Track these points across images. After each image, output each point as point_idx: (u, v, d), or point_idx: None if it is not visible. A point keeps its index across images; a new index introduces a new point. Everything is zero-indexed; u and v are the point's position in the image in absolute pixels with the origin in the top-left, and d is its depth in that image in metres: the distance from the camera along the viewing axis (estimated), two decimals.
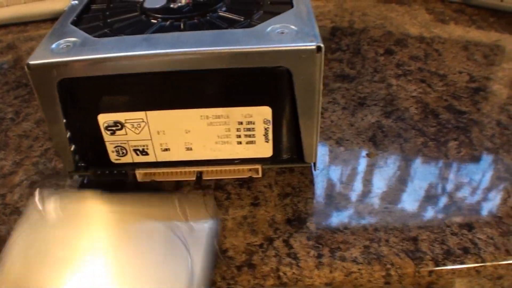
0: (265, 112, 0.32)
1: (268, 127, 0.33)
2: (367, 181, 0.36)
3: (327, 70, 0.48)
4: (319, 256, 0.31)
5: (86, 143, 0.35)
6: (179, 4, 0.36)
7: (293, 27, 0.31)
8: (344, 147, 0.39)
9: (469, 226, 0.32)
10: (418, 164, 0.37)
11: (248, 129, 0.33)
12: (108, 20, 0.35)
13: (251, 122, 0.32)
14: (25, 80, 0.51)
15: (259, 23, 0.32)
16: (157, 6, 0.36)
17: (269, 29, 0.31)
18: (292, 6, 0.34)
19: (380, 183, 0.36)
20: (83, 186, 0.37)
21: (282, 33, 0.31)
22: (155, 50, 0.30)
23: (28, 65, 0.30)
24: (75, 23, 0.35)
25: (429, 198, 0.34)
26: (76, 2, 0.38)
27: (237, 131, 0.33)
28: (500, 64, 0.49)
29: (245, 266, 0.31)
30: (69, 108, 0.32)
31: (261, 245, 0.32)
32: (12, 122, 0.45)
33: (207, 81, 0.31)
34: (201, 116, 0.32)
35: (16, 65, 0.55)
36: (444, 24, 0.55)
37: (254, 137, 0.33)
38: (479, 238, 0.31)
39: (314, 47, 0.29)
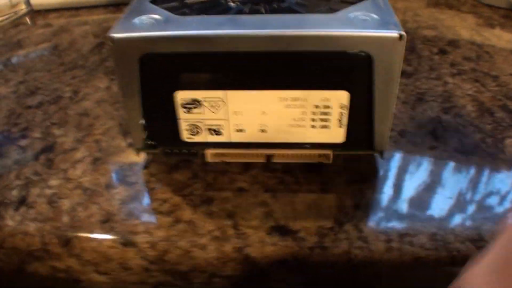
0: (342, 96, 0.32)
1: (343, 112, 0.33)
2: (432, 172, 0.36)
3: None
4: (389, 241, 0.32)
5: (159, 120, 0.35)
6: None
7: (374, 15, 0.32)
8: (407, 138, 0.39)
9: None
10: (477, 159, 0.38)
11: (324, 113, 0.33)
12: (185, 1, 0.36)
13: (327, 106, 0.33)
14: (82, 62, 0.52)
15: (340, 10, 0.33)
16: None
17: (351, 15, 0.32)
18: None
19: (444, 175, 0.36)
20: (148, 165, 0.38)
21: (365, 20, 0.31)
22: (243, 30, 0.31)
23: (112, 38, 0.31)
24: (153, 2, 0.35)
25: (492, 191, 0.35)
26: None
27: (313, 114, 0.33)
28: None
29: (317, 248, 0.31)
30: (147, 83, 0.33)
31: (332, 228, 0.32)
32: (71, 101, 0.46)
33: (288, 63, 0.32)
34: (279, 97, 0.33)
35: (70, 48, 0.55)
36: (492, 29, 0.55)
37: (329, 121, 0.34)
38: None
39: (397, 35, 0.30)
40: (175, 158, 0.38)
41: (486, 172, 0.36)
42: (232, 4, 0.35)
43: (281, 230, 0.32)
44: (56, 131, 0.42)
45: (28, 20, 0.62)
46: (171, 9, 0.34)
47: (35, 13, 0.64)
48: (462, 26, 0.56)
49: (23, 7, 0.62)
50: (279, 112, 0.33)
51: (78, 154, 0.39)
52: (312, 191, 0.35)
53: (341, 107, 0.33)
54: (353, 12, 0.32)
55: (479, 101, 0.44)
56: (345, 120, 0.34)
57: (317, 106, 0.33)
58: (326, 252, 0.31)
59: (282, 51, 0.31)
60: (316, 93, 0.32)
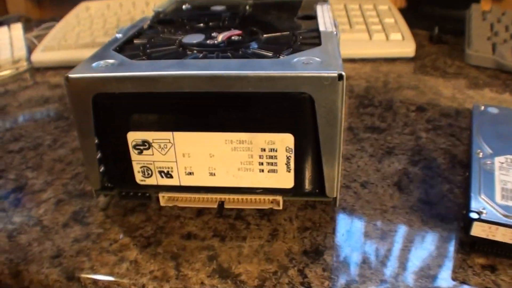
0: (287, 139, 0.32)
1: (290, 156, 0.33)
2: (389, 221, 0.35)
3: (358, 122, 0.48)
4: (334, 287, 0.30)
5: (114, 161, 0.36)
6: (215, 41, 0.38)
7: (317, 59, 0.32)
8: (368, 189, 0.39)
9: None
10: (445, 206, 0.36)
11: (271, 157, 0.33)
12: (147, 51, 0.37)
13: (273, 149, 0.33)
14: (67, 114, 0.54)
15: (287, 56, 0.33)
16: (195, 41, 0.38)
17: (295, 59, 0.32)
18: (323, 44, 0.36)
19: (401, 226, 0.35)
20: (108, 207, 0.38)
21: (307, 63, 0.32)
22: (185, 71, 0.32)
23: (67, 78, 0.32)
24: (117, 51, 0.37)
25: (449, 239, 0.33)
26: (120, 35, 0.41)
27: (260, 158, 0.33)
28: None
29: None
30: (101, 124, 0.34)
31: (275, 273, 0.31)
32: (48, 148, 0.47)
33: (232, 105, 0.32)
34: (225, 140, 0.33)
35: (60, 101, 0.58)
36: (477, 87, 0.55)
37: (276, 165, 0.33)
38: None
39: (335, 74, 0.30)
40: (133, 202, 0.38)
41: (443, 222, 0.35)
42: (189, 52, 0.36)
43: (222, 273, 0.32)
44: (29, 174, 0.43)
45: (27, 76, 0.66)
46: (131, 56, 0.35)
47: (35, 70, 0.67)
48: (445, 86, 0.55)
49: (24, 64, 0.66)
50: (226, 155, 0.34)
51: (44, 195, 0.40)
52: (261, 237, 0.34)
53: (287, 150, 0.33)
54: (297, 57, 0.33)
55: (452, 154, 0.43)
56: (292, 164, 0.33)
57: (263, 149, 0.33)
58: None
59: (225, 92, 0.31)
60: (262, 136, 0.33)
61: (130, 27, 0.44)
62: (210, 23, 0.44)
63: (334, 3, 0.72)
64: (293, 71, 0.31)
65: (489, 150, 0.39)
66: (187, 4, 0.51)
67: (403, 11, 0.74)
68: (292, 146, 0.33)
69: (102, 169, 0.36)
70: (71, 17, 0.75)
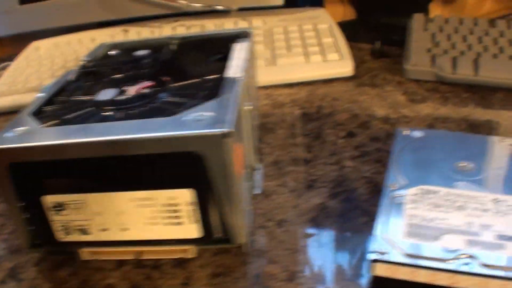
0: (187, 194, 0.34)
1: (192, 209, 0.35)
2: (299, 261, 0.37)
3: (284, 155, 0.49)
4: None
5: (36, 222, 0.37)
6: (126, 96, 0.40)
7: (211, 114, 0.34)
8: (285, 228, 0.40)
9: None
10: (358, 241, 0.38)
11: (174, 211, 0.35)
12: (62, 112, 0.39)
13: (175, 204, 0.35)
14: None
15: (184, 111, 0.35)
16: (107, 98, 0.40)
17: (188, 117, 0.34)
18: (223, 95, 0.37)
19: (315, 263, 0.36)
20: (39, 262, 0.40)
21: (199, 120, 0.33)
22: (84, 138, 0.33)
23: None
24: (34, 114, 0.39)
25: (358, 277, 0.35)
26: (43, 94, 0.43)
27: (164, 212, 0.35)
28: None
29: None
30: (19, 189, 0.36)
31: None
32: None
33: (132, 166, 0.34)
34: (129, 199, 0.35)
35: None
36: (414, 104, 0.56)
37: (181, 218, 0.35)
38: None
39: (220, 132, 0.32)
40: (61, 256, 0.40)
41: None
42: (103, 110, 0.38)
43: None
44: None
45: None
46: (45, 121, 0.37)
47: None
48: (380, 106, 0.56)
49: None
50: (133, 212, 0.35)
51: None
52: (174, 286, 0.36)
53: (189, 204, 0.34)
54: (192, 114, 0.34)
55: (374, 182, 0.44)
56: (196, 216, 0.35)
57: (166, 205, 0.35)
58: None
59: (123, 155, 0.33)
60: (162, 192, 0.34)
61: (54, 83, 0.45)
62: (130, 72, 0.45)
63: (275, 26, 0.73)
64: (182, 131, 0.32)
65: (403, 181, 0.39)
66: (115, 50, 0.52)
67: (353, 23, 0.74)
68: (192, 199, 0.34)
69: (29, 228, 0.38)
70: (21, 58, 0.75)
